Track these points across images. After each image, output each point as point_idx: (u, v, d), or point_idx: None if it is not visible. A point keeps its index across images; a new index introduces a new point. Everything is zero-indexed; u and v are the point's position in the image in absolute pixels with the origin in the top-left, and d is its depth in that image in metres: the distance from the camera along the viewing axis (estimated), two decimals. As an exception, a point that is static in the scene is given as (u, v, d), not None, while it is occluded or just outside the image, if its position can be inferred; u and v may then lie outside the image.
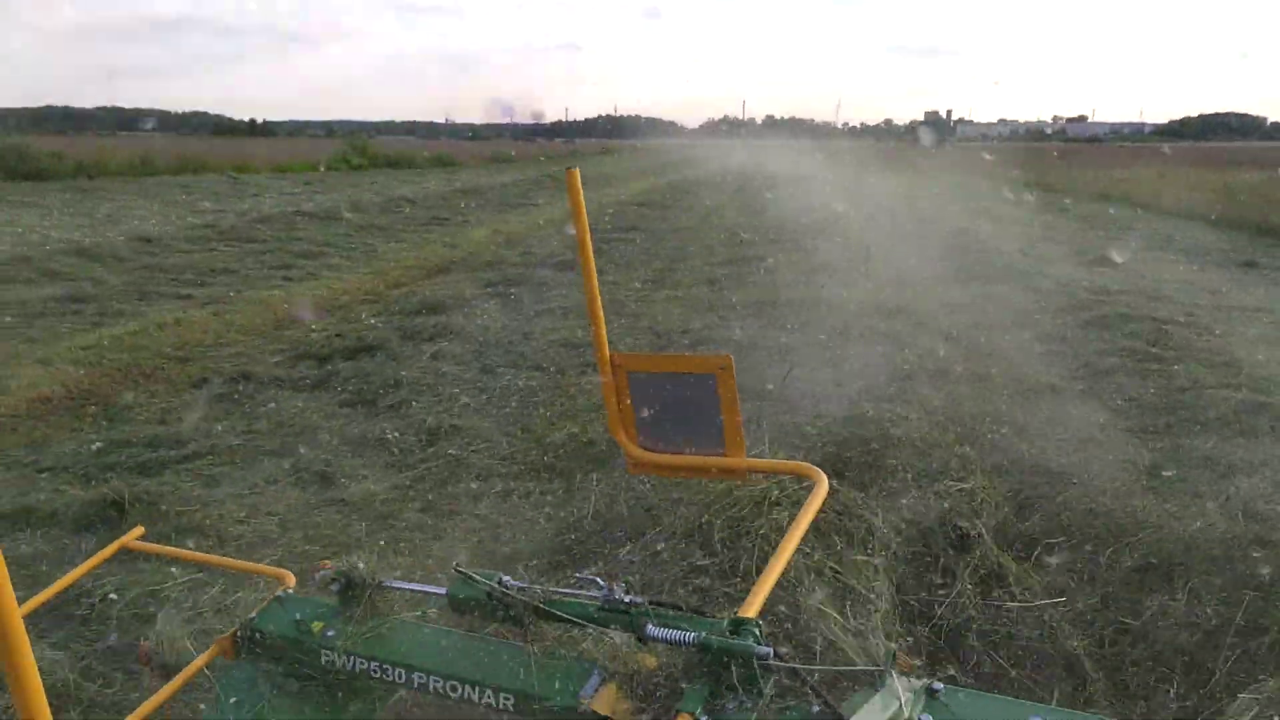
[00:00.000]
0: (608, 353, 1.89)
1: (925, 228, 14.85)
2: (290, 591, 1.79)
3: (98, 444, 5.18)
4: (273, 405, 6.01)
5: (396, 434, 5.37)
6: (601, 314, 1.90)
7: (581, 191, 1.81)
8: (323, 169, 35.89)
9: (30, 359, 6.80)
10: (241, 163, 33.35)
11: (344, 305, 9.54)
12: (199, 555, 2.41)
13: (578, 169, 1.83)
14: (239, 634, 1.67)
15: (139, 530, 2.01)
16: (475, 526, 4.13)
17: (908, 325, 7.61)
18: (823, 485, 1.77)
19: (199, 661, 1.66)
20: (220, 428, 5.55)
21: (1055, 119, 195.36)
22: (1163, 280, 10.53)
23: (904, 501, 3.80)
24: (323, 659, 1.59)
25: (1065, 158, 44.38)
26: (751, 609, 1.48)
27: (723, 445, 1.80)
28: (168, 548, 2.30)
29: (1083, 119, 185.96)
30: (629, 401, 1.89)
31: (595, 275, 1.87)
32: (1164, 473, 4.49)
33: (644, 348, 7.46)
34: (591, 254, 1.85)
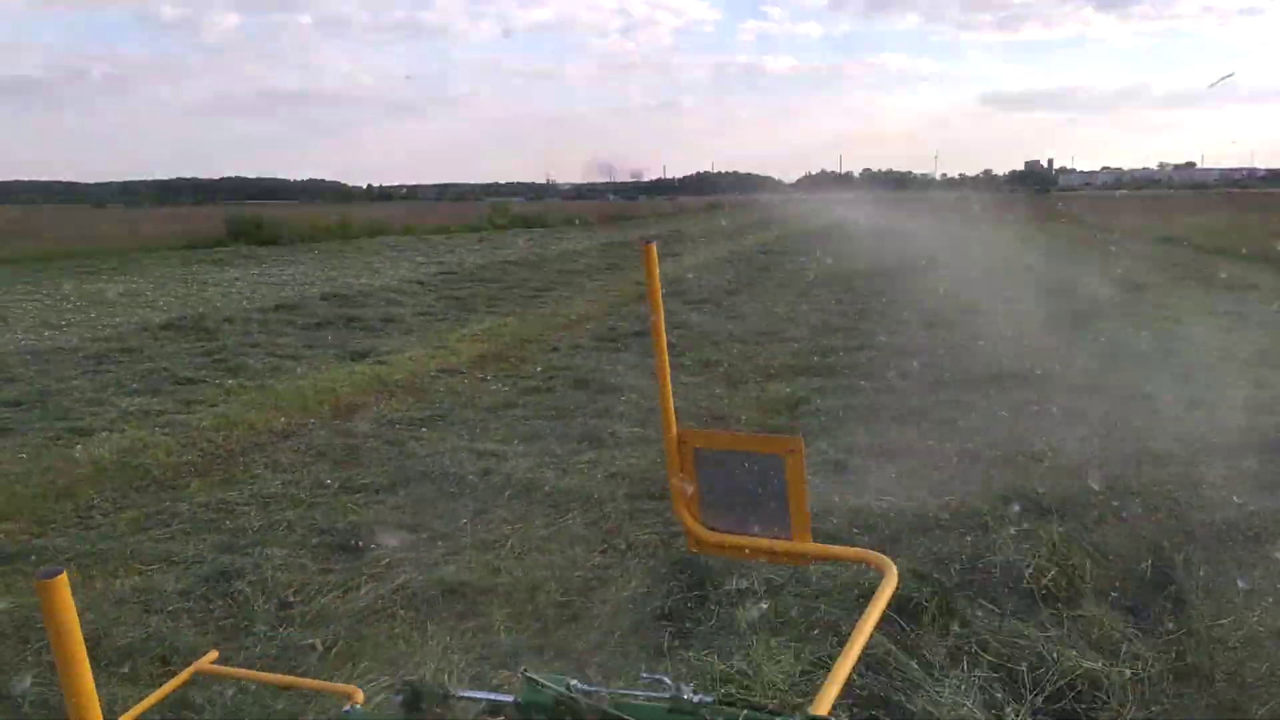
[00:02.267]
0: (675, 429, 1.86)
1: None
2: (358, 707, 1.80)
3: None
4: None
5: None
6: (670, 389, 1.86)
7: (657, 265, 1.78)
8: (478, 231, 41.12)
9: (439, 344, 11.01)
10: (402, 227, 38.75)
11: (595, 316, 13.65)
12: (269, 676, 2.36)
13: (655, 244, 1.80)
14: None
15: (213, 654, 2.05)
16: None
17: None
18: (892, 576, 1.72)
19: None
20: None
21: (1162, 165, 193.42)
22: None
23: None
24: None
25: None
26: (823, 706, 1.43)
27: (788, 529, 1.78)
28: (239, 670, 2.33)
29: (1190, 165, 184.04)
30: (694, 479, 1.88)
31: (666, 350, 1.85)
32: None
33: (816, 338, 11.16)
34: (664, 329, 1.82)
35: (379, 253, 26.54)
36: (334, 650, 3.96)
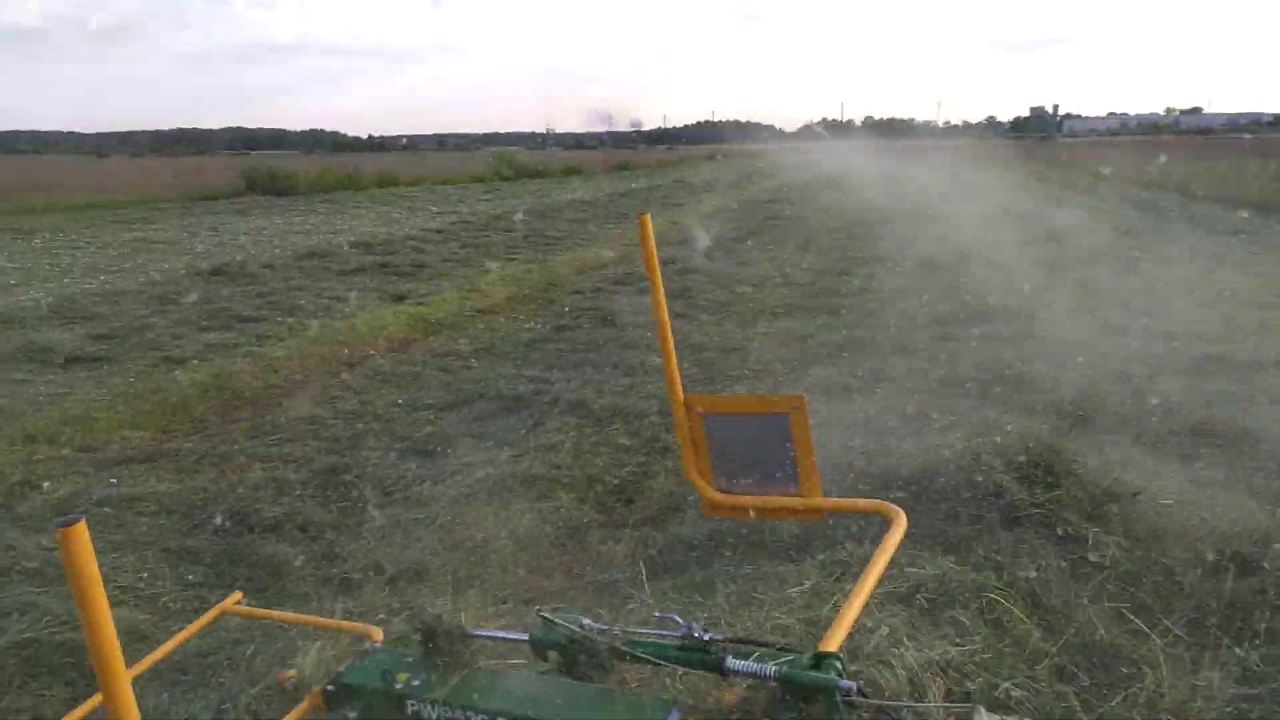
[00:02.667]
0: (681, 396, 1.90)
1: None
2: (377, 645, 1.85)
3: (550, 327, 10.10)
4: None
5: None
6: (675, 357, 1.90)
7: (652, 236, 1.82)
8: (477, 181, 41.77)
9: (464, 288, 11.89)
10: (411, 178, 39.42)
11: (610, 261, 14.53)
12: (292, 616, 2.41)
13: (649, 215, 1.85)
14: (329, 688, 1.74)
15: (238, 595, 2.13)
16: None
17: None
18: (901, 523, 1.78)
19: (293, 715, 1.74)
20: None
21: (1169, 110, 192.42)
22: None
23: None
24: (409, 709, 1.65)
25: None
26: (833, 643, 1.48)
27: (799, 485, 1.83)
28: (264, 610, 2.41)
29: (1197, 110, 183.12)
30: (704, 444, 1.92)
31: (668, 321, 1.88)
32: None
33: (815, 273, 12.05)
34: (663, 299, 1.86)
35: (393, 203, 27.34)
36: (438, 523, 4.94)
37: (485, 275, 13.37)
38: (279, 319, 9.99)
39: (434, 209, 25.53)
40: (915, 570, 3.77)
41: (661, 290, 1.86)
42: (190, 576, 4.36)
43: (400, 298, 11.51)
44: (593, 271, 14.12)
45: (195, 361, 8.09)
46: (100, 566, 0.98)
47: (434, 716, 1.61)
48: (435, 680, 1.64)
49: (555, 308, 11.06)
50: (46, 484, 5.51)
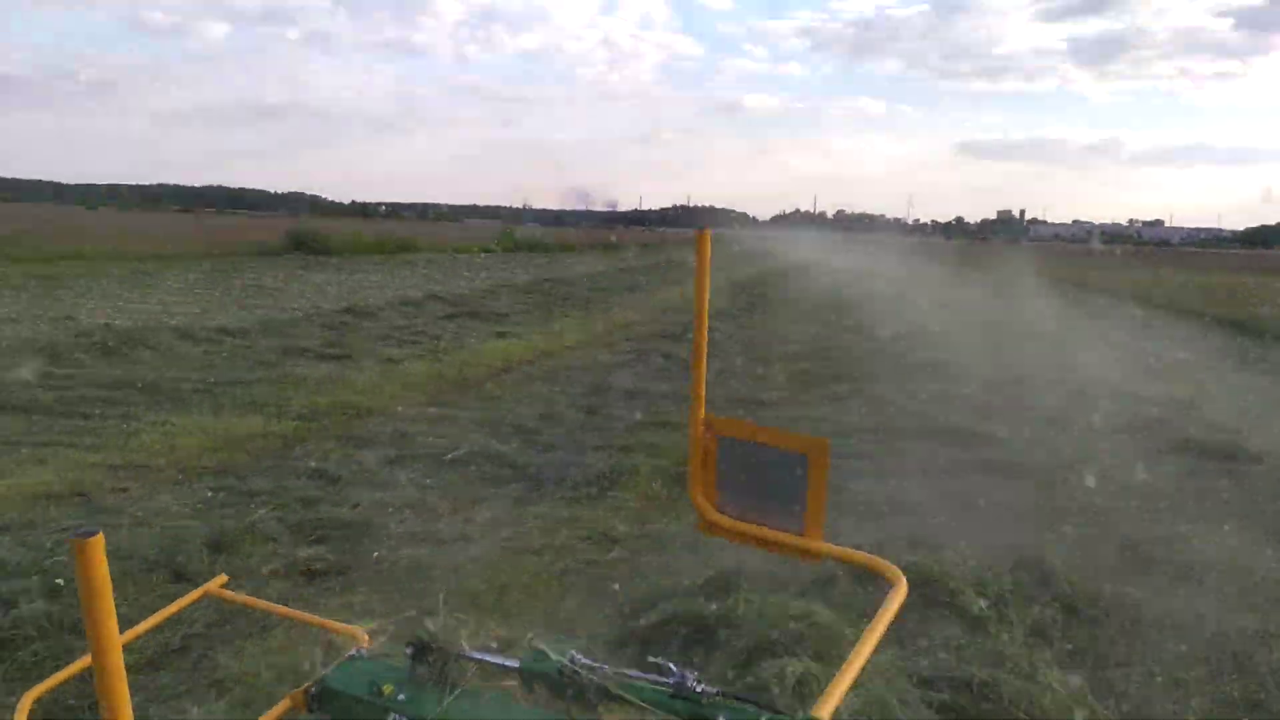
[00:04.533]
0: (703, 413, 1.91)
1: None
2: (363, 651, 1.86)
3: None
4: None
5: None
6: (704, 373, 1.92)
7: (709, 251, 1.85)
8: (483, 252, 46.45)
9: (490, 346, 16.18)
10: (428, 244, 43.99)
11: (643, 320, 18.91)
12: (276, 607, 2.31)
13: (709, 230, 1.87)
14: (311, 690, 1.75)
15: (223, 578, 2.15)
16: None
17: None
18: (901, 587, 1.74)
19: (271, 714, 1.74)
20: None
21: (1131, 222, 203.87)
22: None
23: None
24: None
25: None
26: (825, 709, 1.46)
27: (802, 526, 1.81)
28: (247, 597, 2.38)
29: (1159, 223, 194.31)
30: (714, 464, 1.91)
31: (706, 337, 1.91)
32: None
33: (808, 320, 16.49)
34: (706, 314, 1.87)
35: (431, 266, 31.78)
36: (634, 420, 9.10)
37: (552, 324, 17.73)
38: (428, 343, 14.19)
39: (467, 273, 29.95)
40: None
41: (705, 307, 1.87)
42: (506, 447, 8.51)
43: (503, 334, 15.79)
44: (634, 326, 18.52)
45: (406, 363, 12.28)
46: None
47: None
48: (422, 697, 1.66)
49: (620, 346, 15.40)
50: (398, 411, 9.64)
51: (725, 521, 1.88)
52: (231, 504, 6.18)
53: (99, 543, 0.97)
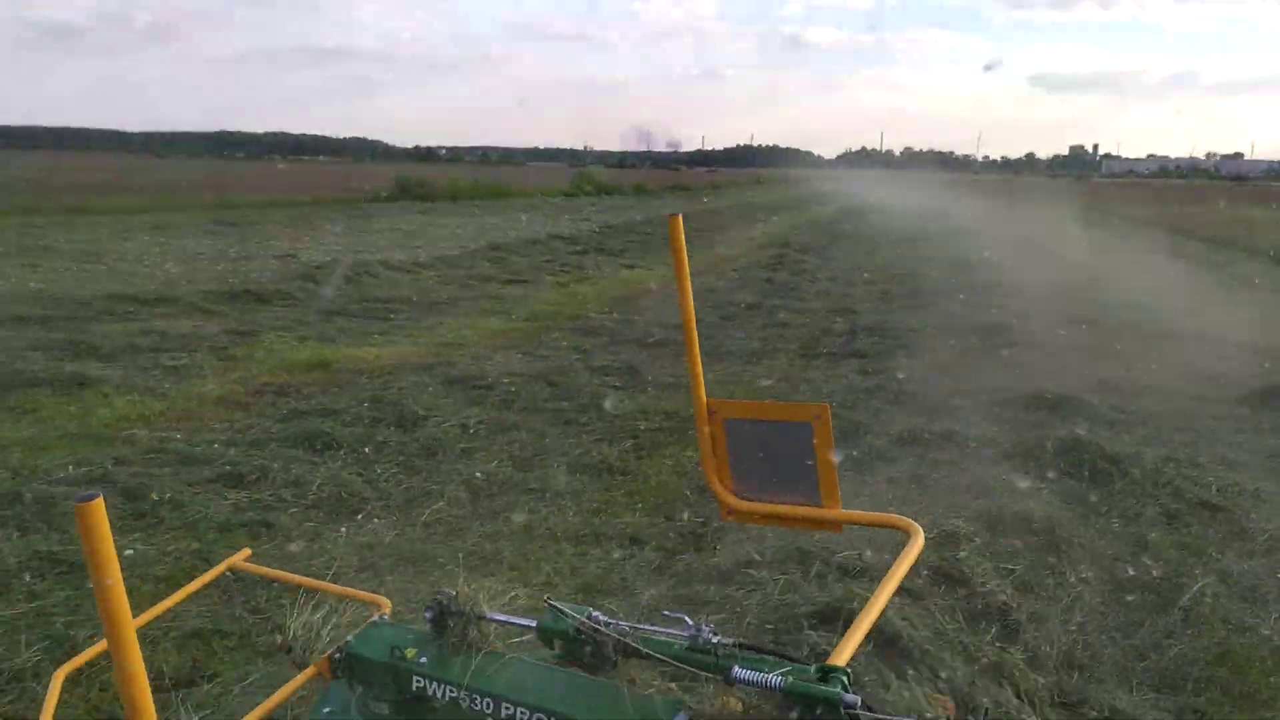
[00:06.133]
0: (705, 400, 1.97)
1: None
2: (385, 617, 1.94)
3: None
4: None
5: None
6: (700, 361, 1.97)
7: (684, 238, 1.89)
8: (564, 196, 50.33)
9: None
10: (517, 190, 48.02)
11: (731, 257, 22.58)
12: (299, 579, 2.39)
13: (680, 215, 1.91)
14: (335, 655, 1.81)
15: (246, 552, 2.25)
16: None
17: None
18: (918, 539, 1.83)
19: (299, 679, 1.83)
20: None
21: (1209, 155, 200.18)
22: None
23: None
24: (414, 685, 1.72)
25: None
26: (841, 657, 1.54)
27: (818, 496, 1.89)
28: (270, 570, 2.49)
29: (1238, 155, 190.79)
30: (725, 449, 1.99)
31: (694, 323, 1.95)
32: None
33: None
34: (691, 301, 1.92)
35: (532, 210, 35.85)
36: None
37: (638, 265, 21.48)
38: (576, 272, 18.04)
39: (569, 217, 33.80)
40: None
41: (690, 295, 1.91)
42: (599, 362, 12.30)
43: (630, 266, 19.61)
44: (731, 260, 22.20)
45: (571, 285, 16.16)
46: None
47: (442, 695, 1.70)
48: (445, 659, 1.73)
49: (727, 275, 19.12)
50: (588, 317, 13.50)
51: (745, 505, 2.01)
52: (546, 358, 9.96)
53: (99, 506, 0.99)
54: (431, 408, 7.47)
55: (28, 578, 4.45)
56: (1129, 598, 4.70)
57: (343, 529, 5.29)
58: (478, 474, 6.19)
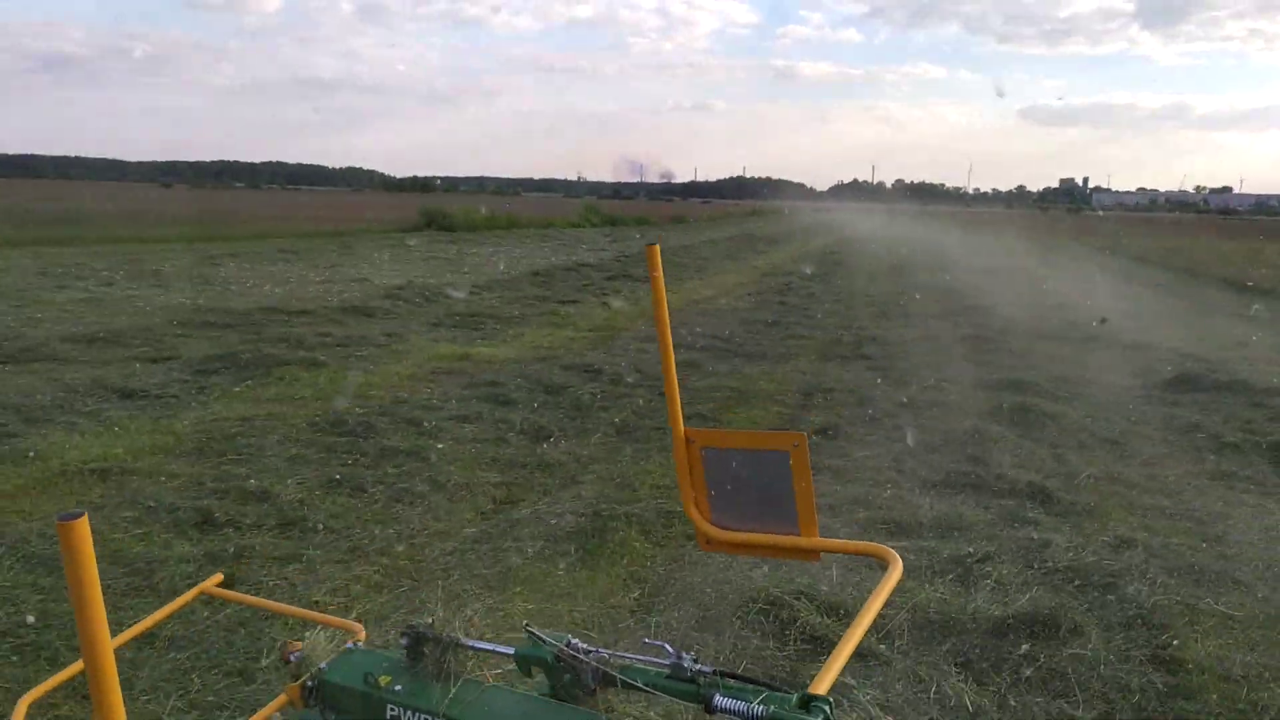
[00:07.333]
0: (682, 429, 1.99)
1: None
2: (359, 644, 1.92)
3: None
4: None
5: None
6: (677, 389, 2.00)
7: (661, 267, 1.92)
8: (572, 227, 53.53)
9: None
10: (529, 220, 51.19)
11: (743, 284, 25.63)
12: (273, 604, 2.47)
13: (658, 245, 1.96)
14: (308, 682, 1.80)
15: (218, 577, 2.26)
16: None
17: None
18: (897, 568, 1.85)
19: (270, 707, 1.81)
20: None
21: (1199, 189, 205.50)
22: None
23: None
24: (388, 713, 1.71)
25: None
26: (822, 686, 1.54)
27: (796, 525, 1.90)
28: (243, 595, 2.50)
29: (1227, 189, 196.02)
30: (703, 478, 2.01)
31: (672, 351, 1.98)
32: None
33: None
34: (669, 329, 1.97)
35: (548, 240, 38.99)
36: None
37: (685, 284, 24.51)
38: (612, 296, 21.04)
39: (585, 246, 36.92)
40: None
41: (667, 322, 1.96)
42: (709, 348, 15.30)
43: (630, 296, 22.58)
44: (735, 290, 25.24)
45: (610, 305, 19.15)
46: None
47: None
48: (420, 688, 1.72)
49: (742, 299, 22.13)
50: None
51: (723, 535, 2.03)
52: (627, 353, 12.91)
53: (84, 525, 0.97)
54: (564, 382, 10.46)
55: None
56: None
57: (543, 445, 8.28)
58: (616, 419, 9.17)
